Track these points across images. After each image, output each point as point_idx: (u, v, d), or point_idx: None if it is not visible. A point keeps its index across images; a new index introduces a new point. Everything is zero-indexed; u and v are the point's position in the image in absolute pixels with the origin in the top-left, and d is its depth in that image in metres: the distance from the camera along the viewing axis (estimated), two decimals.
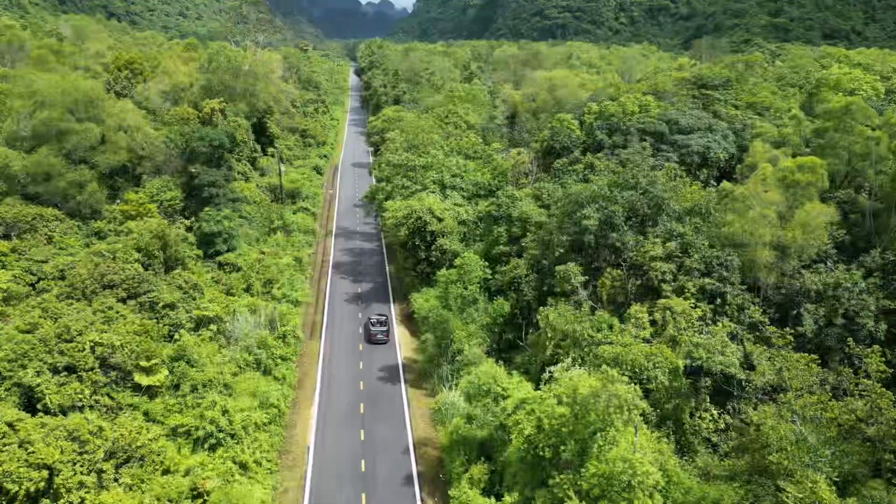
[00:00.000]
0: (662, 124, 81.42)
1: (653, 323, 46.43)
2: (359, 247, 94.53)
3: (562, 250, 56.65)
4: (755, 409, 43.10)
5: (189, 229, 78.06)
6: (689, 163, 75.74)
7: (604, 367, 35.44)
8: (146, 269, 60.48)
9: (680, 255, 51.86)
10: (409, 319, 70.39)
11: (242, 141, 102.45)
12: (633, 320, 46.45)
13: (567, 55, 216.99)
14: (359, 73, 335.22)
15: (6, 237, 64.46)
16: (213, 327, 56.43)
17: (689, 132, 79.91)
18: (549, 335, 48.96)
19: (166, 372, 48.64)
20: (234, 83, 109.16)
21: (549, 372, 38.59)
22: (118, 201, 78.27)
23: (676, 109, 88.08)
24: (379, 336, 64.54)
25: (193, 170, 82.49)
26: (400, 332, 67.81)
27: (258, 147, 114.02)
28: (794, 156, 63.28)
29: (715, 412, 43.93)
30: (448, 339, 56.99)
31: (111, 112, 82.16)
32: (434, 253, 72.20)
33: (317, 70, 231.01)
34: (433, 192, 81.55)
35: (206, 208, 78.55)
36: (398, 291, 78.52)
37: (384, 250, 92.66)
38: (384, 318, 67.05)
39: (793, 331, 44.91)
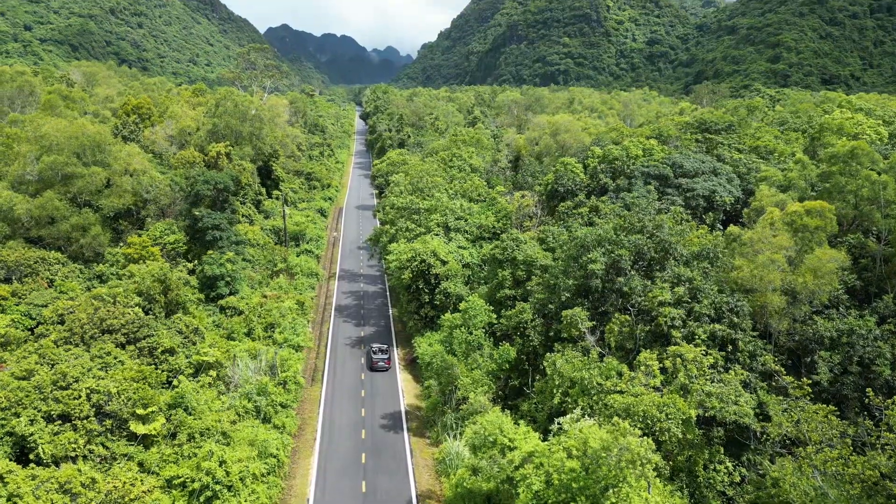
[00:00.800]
0: (667, 168, 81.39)
1: (663, 370, 45.12)
2: (362, 290, 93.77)
3: (568, 295, 55.72)
4: (771, 461, 41.54)
5: (192, 272, 77.55)
6: (695, 206, 75.34)
7: (615, 418, 34.18)
8: (147, 314, 59.65)
9: (689, 300, 50.85)
10: (413, 365, 69.14)
11: (247, 184, 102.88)
12: (642, 368, 45.15)
13: (569, 100, 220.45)
14: (364, 117, 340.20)
15: (7, 280, 63.99)
16: (213, 373, 55.29)
17: (693, 176, 79.81)
18: (557, 382, 47.68)
19: (163, 420, 47.25)
20: (241, 127, 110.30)
21: (558, 423, 37.29)
22: (121, 244, 78.06)
23: (680, 153, 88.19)
24: (380, 364, 67.47)
25: (197, 213, 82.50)
26: (403, 378, 66.47)
27: (263, 190, 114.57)
28: (800, 199, 62.86)
29: (730, 464, 42.36)
30: (452, 385, 55.70)
31: (118, 156, 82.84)
32: (438, 296, 71.38)
33: (323, 114, 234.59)
34: (437, 235, 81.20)
35: (210, 251, 78.17)
36: (401, 335, 77.41)
37: (387, 293, 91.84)
38: (385, 346, 70.41)
39: (808, 380, 43.60)
